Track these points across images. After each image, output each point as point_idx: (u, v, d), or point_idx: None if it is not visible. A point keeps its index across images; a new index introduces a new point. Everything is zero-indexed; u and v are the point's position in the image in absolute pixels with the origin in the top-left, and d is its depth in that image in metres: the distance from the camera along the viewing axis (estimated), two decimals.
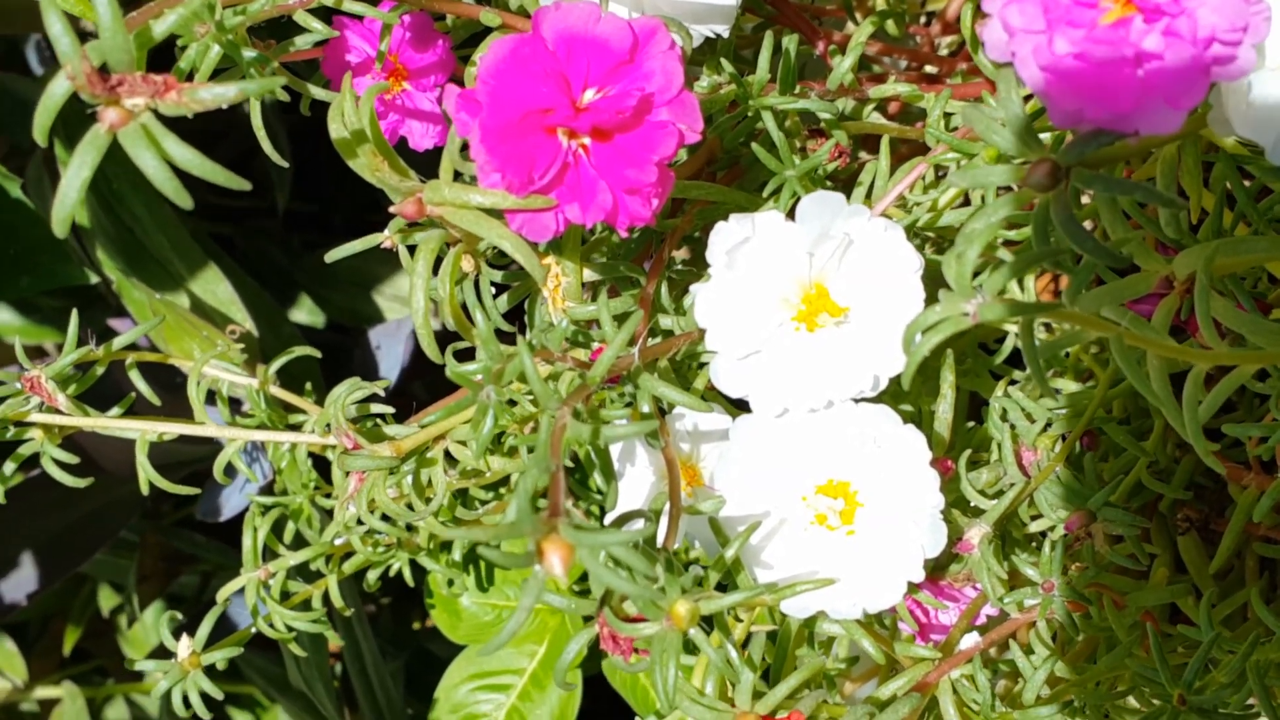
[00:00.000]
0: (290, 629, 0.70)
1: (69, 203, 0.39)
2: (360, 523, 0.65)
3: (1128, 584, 0.58)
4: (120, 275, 0.86)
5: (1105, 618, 0.55)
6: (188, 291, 0.87)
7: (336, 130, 0.46)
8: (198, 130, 0.45)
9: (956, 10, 0.73)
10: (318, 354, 0.71)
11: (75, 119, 0.44)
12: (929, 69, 0.71)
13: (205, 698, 0.62)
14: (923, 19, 0.76)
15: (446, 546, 0.76)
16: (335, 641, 0.75)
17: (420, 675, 1.07)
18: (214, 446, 0.86)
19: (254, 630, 0.70)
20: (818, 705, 0.50)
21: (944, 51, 0.74)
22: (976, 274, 0.39)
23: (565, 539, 0.38)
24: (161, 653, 0.65)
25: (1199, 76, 0.37)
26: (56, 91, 0.38)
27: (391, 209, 0.47)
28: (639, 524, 0.48)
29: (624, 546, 0.39)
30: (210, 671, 0.64)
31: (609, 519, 0.49)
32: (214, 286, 0.86)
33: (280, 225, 1.11)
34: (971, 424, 0.66)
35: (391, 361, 0.99)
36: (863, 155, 0.69)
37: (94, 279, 0.86)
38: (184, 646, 0.63)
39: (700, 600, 0.44)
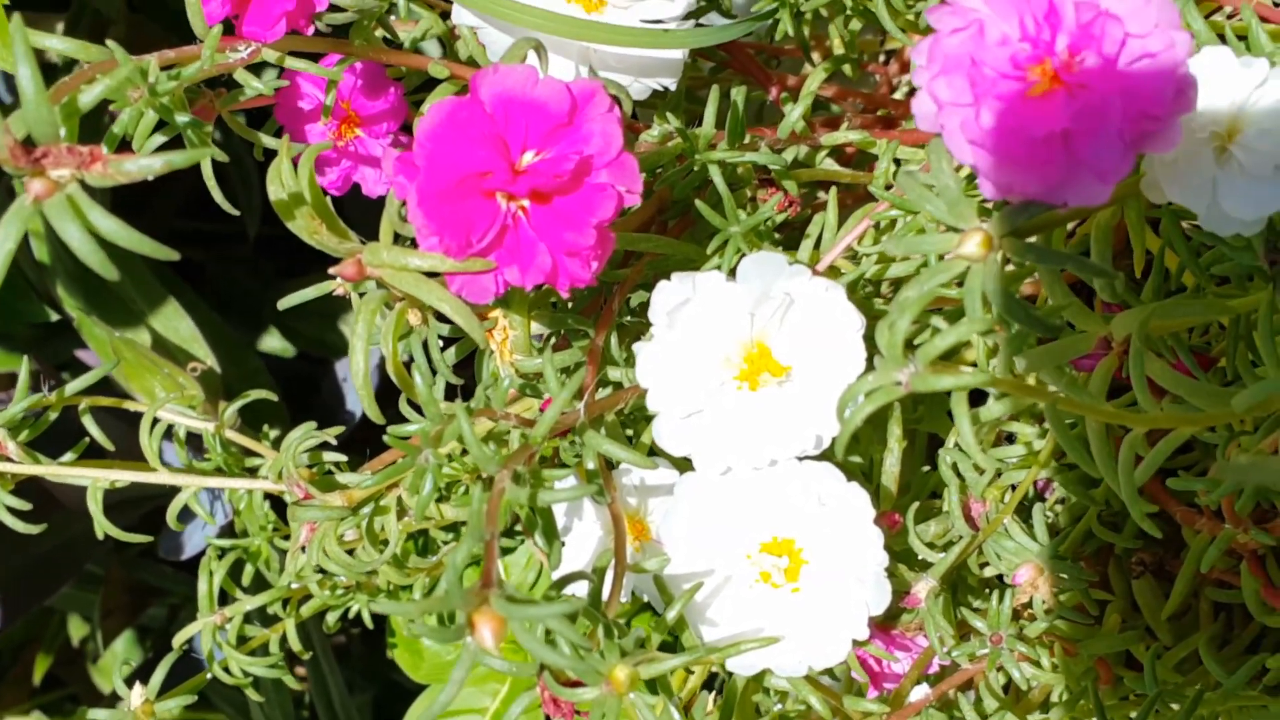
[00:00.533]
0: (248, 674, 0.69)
1: None
2: (320, 569, 0.65)
3: (1081, 631, 0.58)
4: (80, 313, 0.85)
5: (1057, 666, 0.55)
6: (149, 328, 0.86)
7: (275, 192, 0.46)
8: None
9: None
10: (274, 397, 0.71)
11: None
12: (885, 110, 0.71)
13: None
14: (881, 57, 0.76)
15: (407, 586, 0.76)
16: (296, 686, 0.75)
17: (390, 706, 1.07)
18: None
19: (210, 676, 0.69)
20: None
21: (902, 91, 0.74)
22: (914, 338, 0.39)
23: (497, 611, 0.38)
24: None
25: (1126, 151, 0.37)
26: None
27: (331, 270, 0.47)
28: (584, 584, 0.48)
29: (559, 618, 0.39)
30: None
31: (554, 577, 0.49)
32: (175, 323, 0.85)
33: (251, 250, 1.11)
34: (928, 468, 0.66)
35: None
36: (821, 195, 0.69)
37: (54, 316, 0.86)
38: (136, 695, 0.62)
39: (640, 664, 0.44)
